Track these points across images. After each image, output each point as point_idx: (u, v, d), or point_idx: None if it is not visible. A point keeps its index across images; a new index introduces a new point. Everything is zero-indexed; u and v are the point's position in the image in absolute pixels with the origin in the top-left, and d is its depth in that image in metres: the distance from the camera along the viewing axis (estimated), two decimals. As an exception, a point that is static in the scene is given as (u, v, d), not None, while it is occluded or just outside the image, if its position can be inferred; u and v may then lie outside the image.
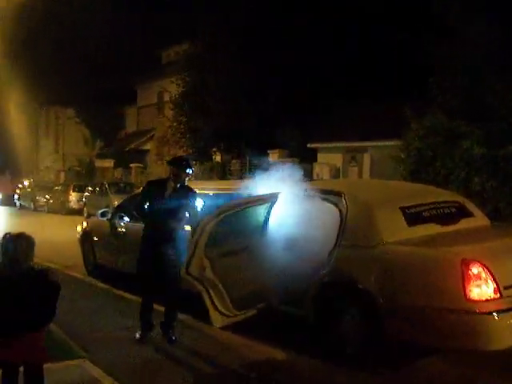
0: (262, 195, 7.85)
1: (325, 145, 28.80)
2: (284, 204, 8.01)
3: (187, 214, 8.01)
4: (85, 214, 31.32)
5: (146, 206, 8.25)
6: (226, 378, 7.06)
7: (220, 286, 7.51)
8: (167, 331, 8.14)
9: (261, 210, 7.95)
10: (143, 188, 8.72)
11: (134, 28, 42.48)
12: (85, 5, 42.71)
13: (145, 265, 8.16)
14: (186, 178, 8.21)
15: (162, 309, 8.38)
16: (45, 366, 5.42)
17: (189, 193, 8.13)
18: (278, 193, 7.90)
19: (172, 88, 35.80)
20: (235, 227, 7.62)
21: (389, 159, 22.97)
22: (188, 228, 8.05)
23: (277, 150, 29.83)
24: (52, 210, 37.31)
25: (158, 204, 8.03)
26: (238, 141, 31.77)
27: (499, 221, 17.71)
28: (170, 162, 8.57)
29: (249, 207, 7.73)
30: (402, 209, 7.50)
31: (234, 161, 33.08)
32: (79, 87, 44.56)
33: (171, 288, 8.06)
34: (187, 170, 8.11)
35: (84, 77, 43.78)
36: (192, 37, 34.88)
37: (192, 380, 6.86)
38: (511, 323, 6.22)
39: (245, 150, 31.04)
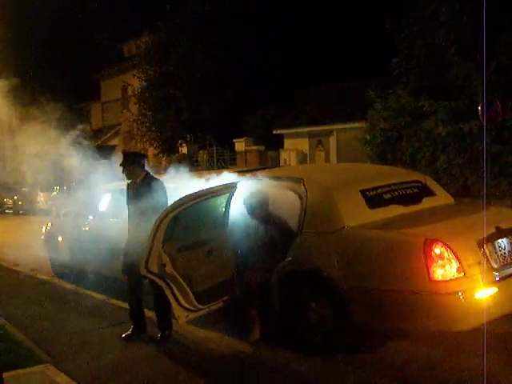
0: (220, 185, 7.67)
1: (290, 130, 28.71)
2: (243, 193, 7.84)
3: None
4: (54, 214, 30.90)
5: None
6: (194, 375, 6.92)
7: (182, 281, 7.35)
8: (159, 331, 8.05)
9: (220, 201, 7.78)
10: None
11: (94, 21, 42.04)
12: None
13: (128, 265, 7.97)
14: (130, 174, 8.05)
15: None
16: (5, 374, 5.24)
17: (151, 184, 7.95)
18: (237, 182, 7.73)
19: (135, 82, 35.56)
20: (194, 220, 7.46)
21: (355, 141, 22.98)
22: None
23: (243, 139, 29.72)
24: (20, 212, 36.83)
25: (127, 203, 8.03)
26: (204, 131, 31.63)
27: (468, 197, 17.76)
28: (123, 154, 8.37)
29: (207, 199, 7.56)
30: (363, 192, 7.41)
31: (201, 152, 32.93)
32: (41, 85, 43.98)
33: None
34: (122, 166, 7.98)
35: (46, 74, 43.18)
36: (152, 28, 34.66)
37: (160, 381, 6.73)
38: (476, 303, 6.12)
39: (211, 140, 30.94)
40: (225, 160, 31.51)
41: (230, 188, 7.67)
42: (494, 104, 16.60)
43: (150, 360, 7.40)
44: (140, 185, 7.97)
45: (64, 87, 42.85)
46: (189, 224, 7.40)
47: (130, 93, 40.60)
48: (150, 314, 8.39)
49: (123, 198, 8.25)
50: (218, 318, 8.08)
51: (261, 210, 7.59)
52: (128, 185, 8.17)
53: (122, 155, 8.20)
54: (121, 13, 41.80)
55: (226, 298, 7.78)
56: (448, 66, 19.63)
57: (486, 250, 6.49)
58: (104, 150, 43.76)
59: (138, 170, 8.01)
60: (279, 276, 7.35)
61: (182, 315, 7.47)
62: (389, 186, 7.77)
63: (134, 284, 8.11)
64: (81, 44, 43.13)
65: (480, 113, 16.79)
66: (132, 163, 8.00)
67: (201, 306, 7.57)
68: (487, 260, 6.45)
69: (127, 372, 7.03)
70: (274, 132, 29.19)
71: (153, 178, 8.13)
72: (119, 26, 42.05)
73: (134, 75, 35.56)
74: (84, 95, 46.57)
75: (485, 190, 17.84)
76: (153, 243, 7.06)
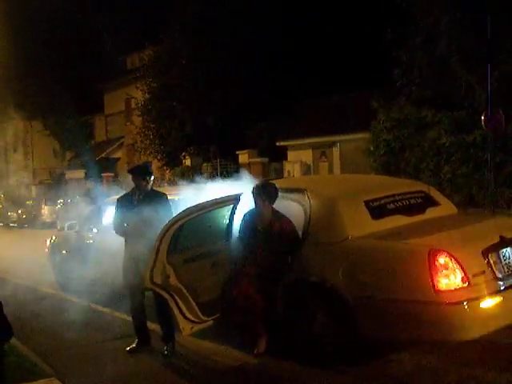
0: (224, 197, 7.67)
1: (294, 142, 28.72)
2: (247, 205, 7.83)
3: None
4: (58, 227, 30.88)
5: (121, 223, 8.10)
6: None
7: (186, 292, 7.35)
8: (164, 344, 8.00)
9: (224, 213, 7.78)
10: (115, 207, 8.48)
11: (98, 34, 42.19)
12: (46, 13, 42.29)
13: (129, 279, 7.95)
14: (148, 185, 8.04)
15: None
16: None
17: (157, 198, 7.98)
18: (241, 194, 7.73)
19: (138, 94, 35.65)
20: (198, 231, 7.47)
21: (358, 152, 22.98)
22: None
23: (246, 151, 29.73)
24: (25, 225, 36.83)
25: (130, 217, 7.89)
26: (207, 143, 31.66)
27: (472, 207, 17.75)
28: (129, 171, 8.40)
29: (211, 210, 7.56)
30: (367, 202, 7.40)
31: (205, 164, 32.95)
32: (45, 98, 44.13)
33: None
34: (146, 177, 7.95)
35: (50, 87, 43.31)
36: (155, 41, 34.78)
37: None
38: (480, 312, 6.11)
39: (214, 152, 30.96)
40: (228, 172, 31.52)
41: (233, 200, 7.67)
42: (497, 113, 16.64)
43: (153, 373, 7.38)
44: (143, 197, 7.97)
45: (67, 100, 43.00)
46: (193, 235, 7.41)
47: (133, 105, 40.69)
48: (153, 326, 8.36)
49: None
50: (224, 331, 8.04)
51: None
52: (129, 198, 8.15)
53: (131, 170, 8.29)
54: (123, 25, 41.93)
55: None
56: (450, 76, 19.66)
57: (491, 260, 6.47)
58: (108, 163, 43.99)
59: (144, 183, 8.01)
60: (284, 287, 7.33)
61: (186, 327, 7.46)
62: (392, 196, 7.76)
63: (137, 297, 8.09)
64: (84, 57, 43.24)
65: (483, 122, 16.84)
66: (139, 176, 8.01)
67: (205, 318, 7.57)
68: (491, 269, 6.43)
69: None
70: (278, 144, 29.21)
71: (157, 191, 8.15)
72: (122, 38, 42.17)
73: (137, 87, 35.70)
74: (88, 108, 46.63)
75: (489, 200, 17.85)
76: (157, 255, 7.07)
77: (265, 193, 7.31)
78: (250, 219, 7.46)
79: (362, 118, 23.27)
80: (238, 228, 7.69)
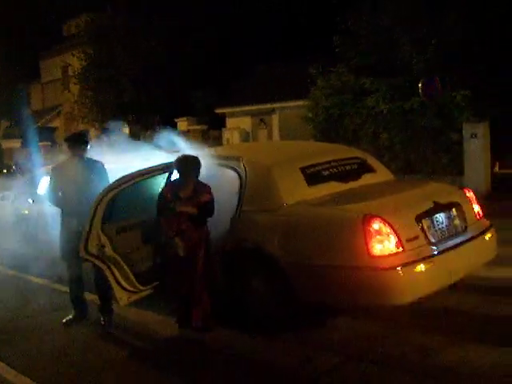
0: (158, 165, 7.57)
1: (233, 109, 28.61)
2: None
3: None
4: (-7, 198, 30.31)
5: (56, 193, 7.94)
6: (134, 358, 6.87)
7: (122, 262, 7.27)
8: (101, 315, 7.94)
9: (159, 181, 7.69)
10: (50, 176, 8.31)
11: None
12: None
13: (66, 249, 7.80)
14: (84, 153, 7.91)
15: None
16: None
17: (93, 167, 7.88)
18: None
19: (75, 62, 35.01)
20: (132, 201, 7.37)
21: (298, 119, 23.01)
22: None
23: (185, 118, 29.55)
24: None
25: (68, 186, 7.76)
26: (147, 112, 31.39)
27: (411, 174, 18.00)
28: (65, 140, 8.25)
29: (145, 179, 7.47)
30: (302, 169, 7.41)
31: (147, 132, 32.65)
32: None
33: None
34: (82, 145, 7.83)
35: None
36: (93, 8, 34.17)
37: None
38: (414, 276, 6.19)
39: (154, 119, 30.70)
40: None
41: (167, 167, 7.57)
42: (433, 81, 16.82)
43: (90, 344, 7.31)
44: (80, 166, 7.83)
45: (1, 68, 42.00)
46: (127, 205, 7.32)
47: (70, 73, 39.96)
48: (92, 297, 8.27)
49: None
50: (162, 300, 7.99)
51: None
52: (65, 167, 8.00)
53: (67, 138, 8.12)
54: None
55: None
56: (392, 45, 19.77)
57: (424, 225, 6.57)
58: (45, 132, 43.17)
59: (80, 152, 7.87)
60: (220, 255, 7.31)
61: (123, 297, 7.39)
62: (328, 162, 7.78)
63: (74, 267, 7.98)
64: (19, 23, 42.16)
65: (420, 90, 17.02)
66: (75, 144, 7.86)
67: (142, 287, 7.51)
68: (425, 235, 6.52)
69: (66, 357, 6.92)
70: (217, 111, 29.06)
71: (93, 160, 8.03)
72: (57, 4, 41.22)
73: (73, 55, 35.01)
74: (23, 75, 45.59)
75: (425, 167, 18.14)
76: (91, 225, 6.99)
77: (188, 166, 7.15)
78: (175, 190, 7.25)
79: (301, 86, 23.25)
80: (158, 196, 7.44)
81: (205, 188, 7.08)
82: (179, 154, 7.32)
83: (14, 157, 39.22)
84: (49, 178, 8.31)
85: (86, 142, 7.96)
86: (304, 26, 26.49)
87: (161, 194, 7.29)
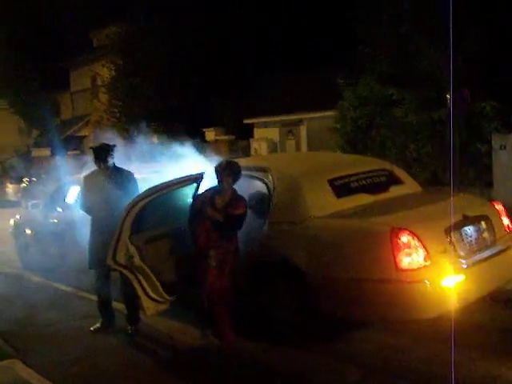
0: (187, 176, 7.59)
1: (261, 119, 28.56)
2: (210, 183, 7.77)
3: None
4: (23, 206, 30.59)
5: (87, 202, 8.07)
6: (160, 367, 6.88)
7: (150, 272, 7.30)
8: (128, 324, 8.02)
9: (187, 191, 7.72)
10: (81, 185, 8.41)
11: (64, 10, 41.53)
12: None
13: (96, 258, 7.86)
14: (110, 163, 7.97)
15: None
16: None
17: (124, 176, 7.99)
18: (203, 172, 7.66)
19: (104, 71, 35.30)
20: (161, 211, 7.41)
21: (325, 130, 22.95)
22: None
23: (212, 128, 29.57)
24: (-12, 204, 36.42)
25: (97, 196, 7.87)
26: (174, 121, 31.50)
27: (437, 186, 17.86)
28: (91, 149, 8.31)
29: (174, 189, 7.51)
30: (330, 181, 7.39)
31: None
32: (9, 75, 43.45)
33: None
34: (107, 156, 7.89)
35: (13, 63, 42.65)
36: (123, 19, 34.41)
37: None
38: (443, 290, 6.14)
39: (180, 129, 30.79)
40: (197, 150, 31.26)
41: (196, 178, 7.60)
42: (462, 92, 16.70)
43: (117, 352, 7.37)
44: (109, 176, 7.91)
45: (32, 77, 42.42)
46: (156, 215, 7.35)
47: (99, 82, 40.26)
48: (119, 306, 8.32)
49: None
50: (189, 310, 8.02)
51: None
52: (94, 176, 8.08)
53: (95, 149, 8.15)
54: (88, 2, 41.33)
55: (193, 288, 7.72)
56: (414, 54, 19.64)
57: (453, 238, 6.53)
58: (73, 141, 43.47)
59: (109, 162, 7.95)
60: (246, 267, 7.31)
61: (150, 307, 7.44)
62: (356, 174, 7.77)
63: (102, 276, 8.04)
64: (49, 33, 42.57)
65: (448, 101, 16.90)
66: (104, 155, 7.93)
67: (170, 297, 7.54)
68: (454, 248, 6.48)
69: (94, 365, 6.98)
70: (245, 121, 29.06)
71: (123, 169, 8.10)
72: (88, 14, 41.56)
73: (103, 65, 35.32)
74: (53, 85, 45.98)
75: (453, 179, 17.96)
76: (120, 235, 7.03)
77: (229, 170, 7.18)
78: (211, 196, 7.27)
79: (328, 96, 23.18)
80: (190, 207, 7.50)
81: (241, 201, 7.09)
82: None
83: (43, 165, 39.69)
84: (79, 187, 8.40)
85: (111, 153, 8.01)
86: (324, 34, 26.43)
87: (198, 196, 7.34)
